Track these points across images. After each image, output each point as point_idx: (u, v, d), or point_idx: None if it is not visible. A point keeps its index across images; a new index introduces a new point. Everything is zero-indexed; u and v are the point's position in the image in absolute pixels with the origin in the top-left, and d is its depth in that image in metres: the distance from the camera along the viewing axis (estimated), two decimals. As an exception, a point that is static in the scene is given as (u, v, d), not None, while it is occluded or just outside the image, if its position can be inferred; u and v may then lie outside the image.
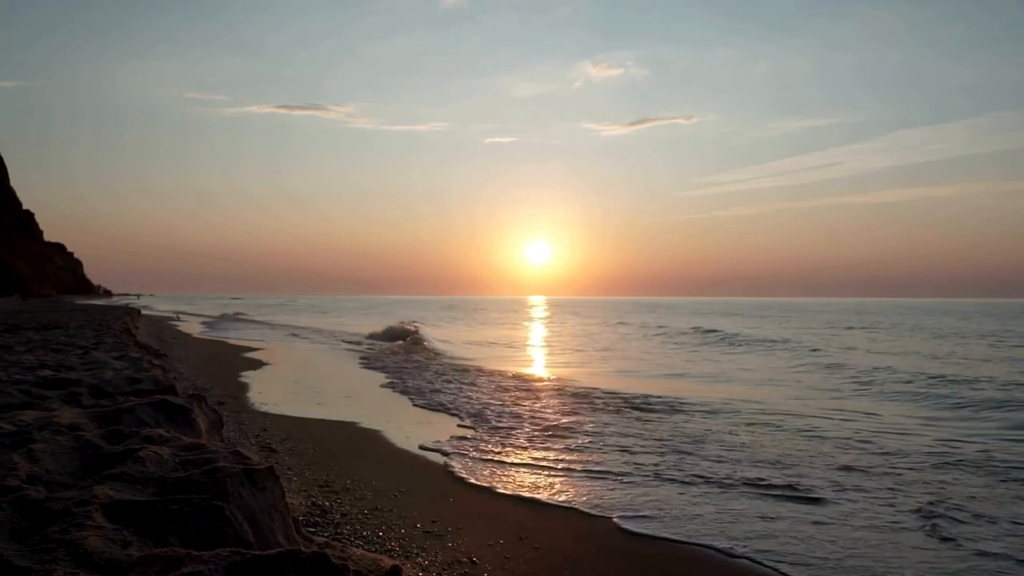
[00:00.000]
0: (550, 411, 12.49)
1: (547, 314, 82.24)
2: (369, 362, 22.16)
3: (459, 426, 11.01)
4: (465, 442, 9.62)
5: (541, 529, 6.04)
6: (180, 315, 62.19)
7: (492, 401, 13.61)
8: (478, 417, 11.70)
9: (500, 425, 11.01)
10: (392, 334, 35.07)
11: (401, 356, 24.58)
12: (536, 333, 44.16)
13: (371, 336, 35.65)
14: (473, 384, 16.47)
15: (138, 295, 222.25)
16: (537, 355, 28.04)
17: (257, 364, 20.60)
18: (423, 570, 4.91)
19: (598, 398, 14.10)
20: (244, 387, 14.90)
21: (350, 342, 32.49)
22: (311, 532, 4.74)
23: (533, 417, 11.75)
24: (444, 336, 36.54)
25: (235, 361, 21.45)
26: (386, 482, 7.27)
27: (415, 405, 13.20)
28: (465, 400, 13.69)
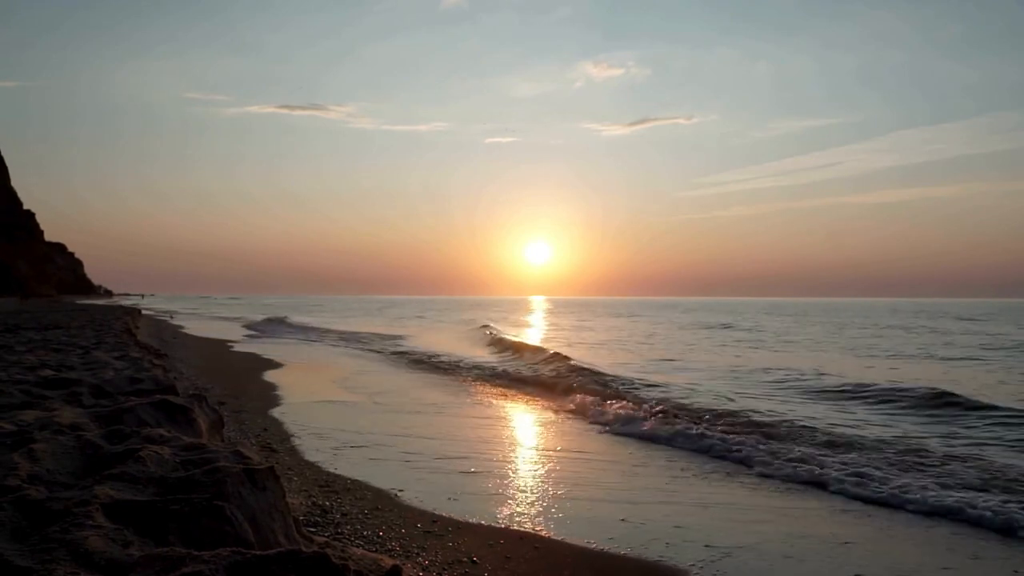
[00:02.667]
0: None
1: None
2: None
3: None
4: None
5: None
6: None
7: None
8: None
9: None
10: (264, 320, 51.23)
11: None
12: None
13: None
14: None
15: (141, 295, 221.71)
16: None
17: (274, 364, 20.61)
18: (423, 570, 4.91)
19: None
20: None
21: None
22: (311, 532, 4.74)
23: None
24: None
25: (239, 361, 21.45)
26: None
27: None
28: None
